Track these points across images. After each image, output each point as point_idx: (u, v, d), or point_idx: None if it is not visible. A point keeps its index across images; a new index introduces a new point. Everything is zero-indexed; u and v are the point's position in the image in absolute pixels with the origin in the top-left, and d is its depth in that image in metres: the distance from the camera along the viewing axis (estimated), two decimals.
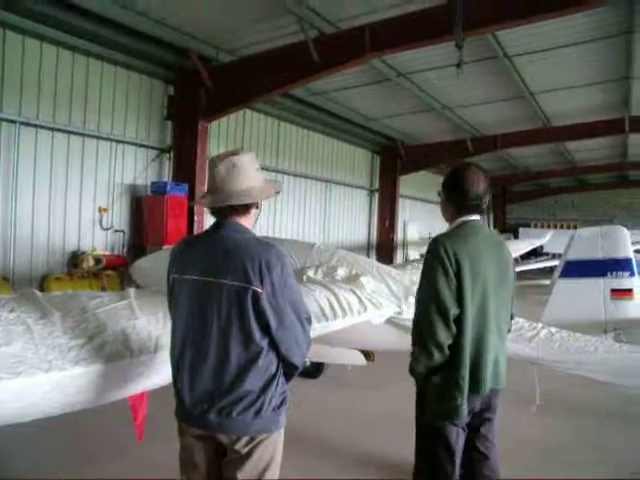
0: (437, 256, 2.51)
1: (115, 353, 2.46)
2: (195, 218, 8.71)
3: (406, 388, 4.95)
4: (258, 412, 2.03)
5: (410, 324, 5.41)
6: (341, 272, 5.81)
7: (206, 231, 2.24)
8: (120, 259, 8.46)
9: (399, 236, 17.44)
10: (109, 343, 2.50)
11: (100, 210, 8.49)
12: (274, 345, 2.07)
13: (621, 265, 5.54)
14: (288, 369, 2.15)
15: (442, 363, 2.49)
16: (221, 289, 2.02)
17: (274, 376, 2.07)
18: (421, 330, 2.55)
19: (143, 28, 7.64)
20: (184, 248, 2.24)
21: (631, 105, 12.45)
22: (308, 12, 7.12)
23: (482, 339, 2.54)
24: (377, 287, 5.66)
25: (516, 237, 24.80)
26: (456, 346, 2.48)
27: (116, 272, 8.26)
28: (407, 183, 17.33)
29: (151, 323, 2.83)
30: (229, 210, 2.11)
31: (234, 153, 2.17)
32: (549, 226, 26.46)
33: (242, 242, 2.07)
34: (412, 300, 5.67)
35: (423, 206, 19.71)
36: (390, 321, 5.22)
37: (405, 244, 17.99)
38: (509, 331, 2.83)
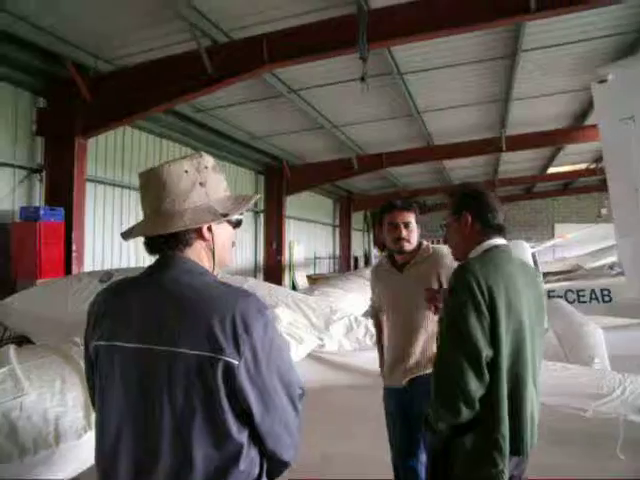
0: (466, 287, 2.04)
1: None
2: (73, 247, 7.66)
3: (332, 431, 4.37)
4: None
5: (334, 357, 4.81)
6: None
7: (144, 273, 1.57)
8: None
9: (286, 258, 17.00)
10: None
11: None
12: (257, 438, 1.45)
13: None
14: (275, 468, 1.52)
15: (471, 420, 2.02)
16: (174, 362, 1.37)
17: None
18: (445, 378, 2.06)
19: (1, 26, 6.55)
20: (112, 300, 1.55)
21: (507, 125, 12.97)
22: (200, 18, 6.49)
23: (519, 388, 2.09)
24: (294, 318, 5.13)
25: None
26: (490, 397, 2.02)
27: None
28: (292, 203, 16.99)
29: (46, 399, 2.09)
30: (164, 242, 1.51)
31: (172, 161, 1.57)
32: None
33: (202, 289, 1.45)
34: (334, 330, 5.23)
35: (308, 227, 19.46)
36: (311, 355, 4.71)
37: (291, 266, 17.58)
38: None
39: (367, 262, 25.83)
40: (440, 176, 20.32)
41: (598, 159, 18.40)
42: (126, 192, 10.27)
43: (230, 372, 1.35)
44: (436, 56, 8.56)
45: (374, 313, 3.47)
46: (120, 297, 1.54)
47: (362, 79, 6.72)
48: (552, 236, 21.69)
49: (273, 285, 6.05)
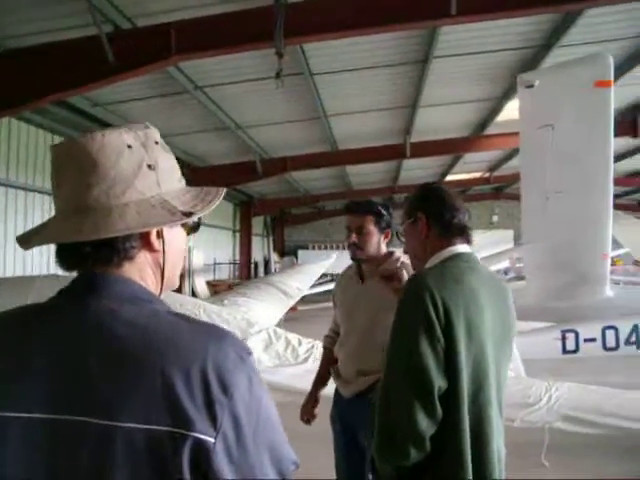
0: (418, 305, 1.70)
1: None
2: None
3: None
4: None
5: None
6: None
7: (54, 302, 1.01)
8: None
9: (185, 264, 16.27)
10: None
11: None
12: None
13: None
14: None
15: (424, 462, 1.67)
16: (110, 442, 0.85)
17: None
18: (390, 414, 1.69)
19: None
20: (4, 340, 0.98)
21: (412, 132, 13.08)
22: (101, 0, 5.85)
23: (482, 424, 1.73)
24: None
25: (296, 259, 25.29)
26: (447, 435, 1.67)
27: None
28: None
29: None
30: (92, 254, 0.98)
31: (106, 130, 1.03)
32: (325, 247, 27.54)
33: (152, 327, 0.94)
34: (252, 346, 4.84)
35: (208, 231, 18.78)
36: None
37: (191, 272, 16.87)
38: None
39: (267, 268, 25.45)
40: (342, 182, 20.34)
41: (492, 168, 19.22)
42: (11, 192, 9.26)
43: (202, 454, 0.87)
44: (349, 57, 8.36)
45: (328, 339, 3.15)
46: (14, 338, 0.98)
47: (277, 75, 6.37)
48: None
49: (180, 295, 5.56)
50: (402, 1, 5.92)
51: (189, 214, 1.03)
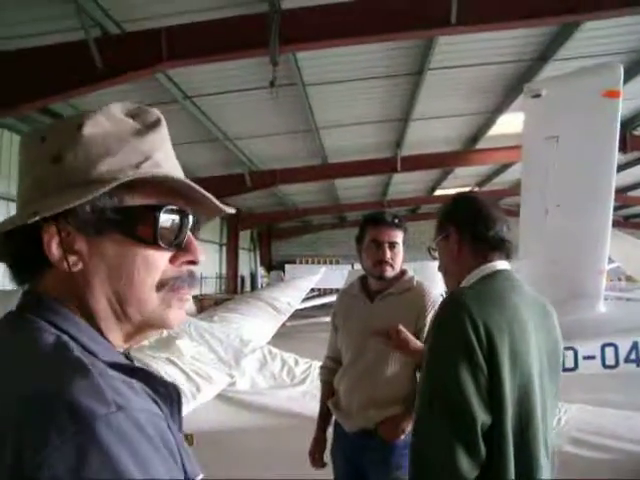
0: (456, 328, 1.48)
1: None
2: None
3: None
4: None
5: (247, 397, 4.04)
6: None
7: None
8: None
9: None
10: None
11: None
12: None
13: None
14: None
15: None
16: None
17: None
18: (426, 458, 1.47)
19: None
20: None
21: (403, 145, 12.95)
22: (89, 3, 5.62)
23: (529, 464, 1.50)
24: (198, 352, 4.47)
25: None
26: (492, 476, 1.44)
27: None
28: None
29: None
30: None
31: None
32: (313, 262, 27.39)
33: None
34: (246, 366, 4.59)
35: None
36: (220, 396, 4.06)
37: None
38: None
39: (253, 282, 25.19)
40: (331, 195, 20.15)
41: (480, 183, 19.17)
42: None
43: None
44: (343, 68, 8.22)
45: (326, 371, 2.76)
46: None
47: (271, 84, 6.20)
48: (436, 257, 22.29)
49: None
50: (401, 10, 5.78)
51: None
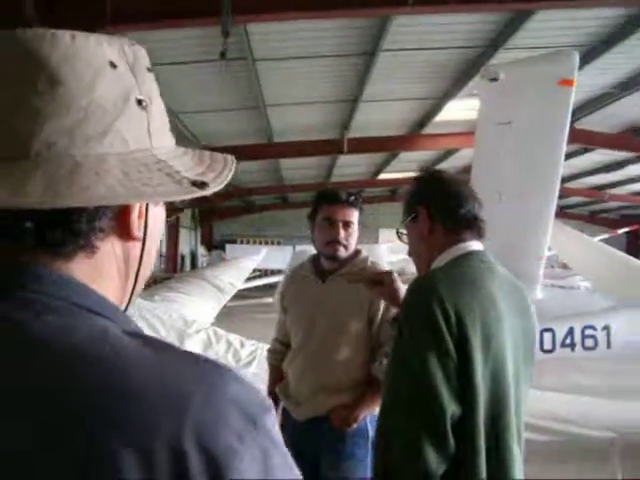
0: (424, 314, 1.41)
1: None
2: None
3: None
4: None
5: None
6: None
7: None
8: None
9: None
10: None
11: None
12: None
13: None
14: None
15: None
16: None
17: None
18: (392, 450, 1.39)
19: None
20: None
21: (350, 127, 12.85)
22: None
23: (501, 453, 1.44)
24: None
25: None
26: (463, 470, 1.38)
27: None
28: None
29: None
30: (32, 233, 0.57)
31: (64, 33, 0.61)
32: (255, 242, 27.19)
33: (89, 354, 0.52)
34: (190, 347, 4.42)
35: None
36: None
37: None
38: None
39: (194, 261, 24.76)
40: (275, 175, 19.92)
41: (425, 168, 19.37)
42: None
43: None
44: (295, 45, 8.01)
45: (275, 355, 2.64)
46: None
47: (222, 55, 5.96)
48: (377, 241, 22.42)
49: None
50: None
51: (202, 185, 0.65)
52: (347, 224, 2.38)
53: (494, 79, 4.43)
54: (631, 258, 9.66)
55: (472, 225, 1.64)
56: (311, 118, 12.26)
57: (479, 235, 1.66)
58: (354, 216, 2.41)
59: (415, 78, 9.86)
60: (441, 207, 1.65)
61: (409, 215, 1.73)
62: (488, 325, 1.44)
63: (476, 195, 1.68)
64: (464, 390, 1.39)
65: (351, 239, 2.40)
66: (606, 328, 6.96)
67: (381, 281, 2.06)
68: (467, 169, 18.99)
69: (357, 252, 2.47)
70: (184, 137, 13.21)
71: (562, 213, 26.36)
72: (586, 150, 13.93)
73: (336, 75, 9.55)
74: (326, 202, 2.42)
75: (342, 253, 2.38)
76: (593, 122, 11.76)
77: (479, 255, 1.61)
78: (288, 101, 10.89)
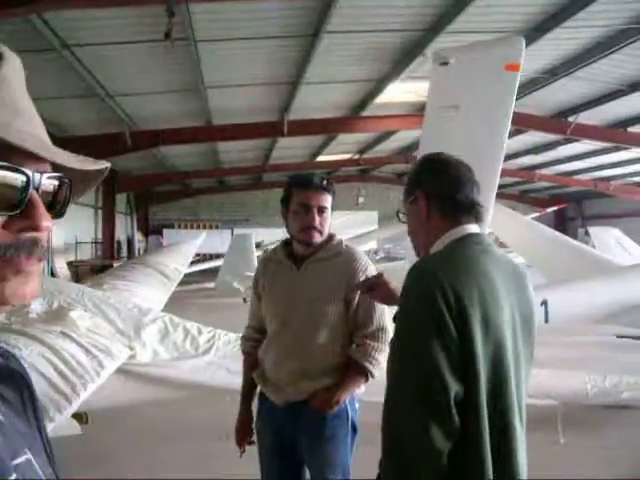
0: (424, 298, 1.44)
1: None
2: None
3: (153, 454, 3.73)
4: None
5: (149, 370, 3.86)
6: (36, 306, 4.17)
7: None
8: None
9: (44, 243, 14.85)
10: None
11: None
12: None
13: None
14: None
15: None
16: None
17: None
18: (397, 433, 1.44)
19: None
20: None
21: (290, 109, 12.78)
22: None
23: (504, 431, 1.49)
24: (94, 324, 4.19)
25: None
26: (467, 447, 1.43)
27: None
28: None
29: None
30: None
31: None
32: (192, 227, 26.83)
33: None
34: (147, 337, 4.32)
35: (68, 208, 17.36)
36: (119, 370, 3.85)
37: (49, 252, 15.48)
38: None
39: (130, 247, 24.14)
40: (212, 158, 19.57)
41: (362, 150, 19.56)
42: None
43: None
44: (237, 26, 7.89)
45: (250, 342, 2.59)
46: None
47: (166, 36, 5.79)
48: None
49: (59, 279, 4.94)
50: None
51: None
52: (322, 209, 2.36)
53: (444, 63, 4.50)
54: (562, 235, 10.12)
55: (469, 209, 1.65)
56: (251, 100, 12.11)
57: (477, 219, 1.67)
58: (328, 201, 2.38)
59: (356, 60, 9.90)
60: (439, 193, 1.66)
61: (408, 197, 1.74)
62: (487, 306, 1.47)
63: (475, 178, 1.69)
64: (466, 370, 1.43)
65: (325, 224, 2.38)
66: (544, 303, 7.27)
67: (375, 285, 2.07)
68: (405, 150, 19.38)
69: (331, 236, 2.45)
70: (120, 120, 12.78)
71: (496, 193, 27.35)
72: (518, 132, 14.38)
73: (277, 57, 9.47)
74: (300, 188, 2.38)
75: (317, 239, 2.36)
76: (525, 105, 12.14)
77: (476, 238, 1.64)
78: (228, 83, 10.71)
